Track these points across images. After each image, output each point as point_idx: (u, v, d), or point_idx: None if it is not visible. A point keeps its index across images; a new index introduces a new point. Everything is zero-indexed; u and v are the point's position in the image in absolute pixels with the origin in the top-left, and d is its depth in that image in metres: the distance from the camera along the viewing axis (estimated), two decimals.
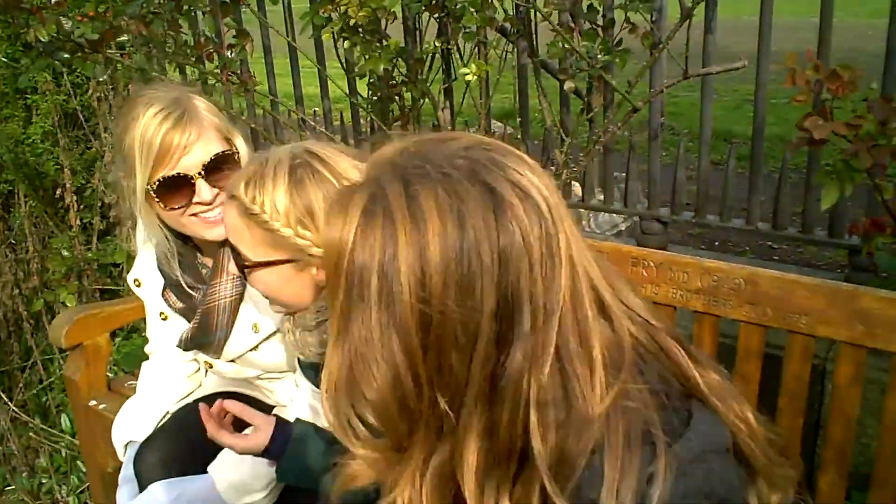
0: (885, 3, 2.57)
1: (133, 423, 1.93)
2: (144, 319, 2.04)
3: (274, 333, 1.81)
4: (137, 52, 2.91)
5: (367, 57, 2.71)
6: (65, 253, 3.84)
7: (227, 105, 3.44)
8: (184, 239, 1.80)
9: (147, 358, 2.08)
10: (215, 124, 1.66)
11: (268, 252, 1.40)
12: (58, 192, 4.07)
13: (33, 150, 4.19)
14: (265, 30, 3.47)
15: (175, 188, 1.61)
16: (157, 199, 1.62)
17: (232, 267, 1.68)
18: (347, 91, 3.34)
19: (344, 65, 3.17)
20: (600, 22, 2.69)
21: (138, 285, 1.92)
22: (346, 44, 2.79)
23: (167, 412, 1.92)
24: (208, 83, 2.96)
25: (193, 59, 3.05)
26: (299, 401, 1.76)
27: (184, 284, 1.80)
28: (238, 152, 1.70)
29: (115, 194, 4.05)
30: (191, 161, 1.60)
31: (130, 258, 3.94)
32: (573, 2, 2.65)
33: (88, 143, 4.32)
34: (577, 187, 3.33)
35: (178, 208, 1.63)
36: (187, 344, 1.82)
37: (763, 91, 2.72)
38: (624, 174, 3.18)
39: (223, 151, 1.65)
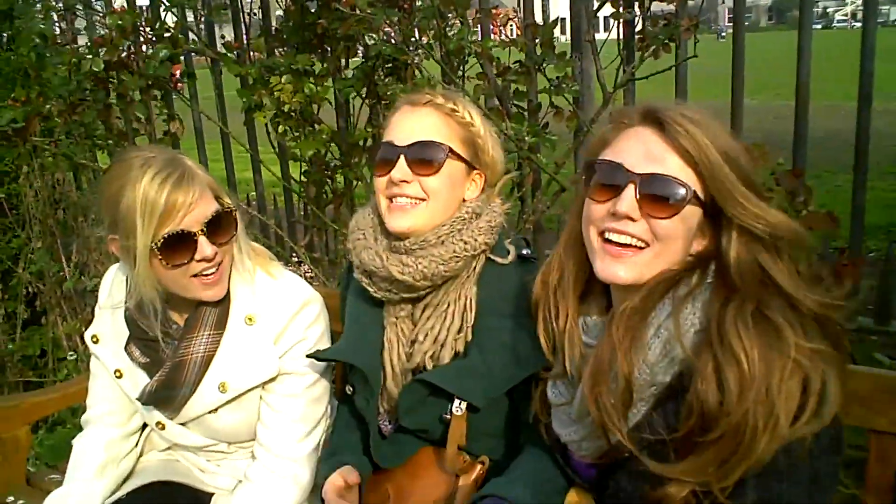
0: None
1: None
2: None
3: (242, 395, 1.77)
4: (65, 139, 2.91)
5: (299, 140, 2.76)
6: None
7: None
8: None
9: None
10: (209, 183, 1.69)
11: (459, 147, 1.60)
12: None
13: None
14: (196, 114, 3.50)
15: (178, 245, 1.62)
16: (160, 258, 1.62)
17: (210, 322, 1.73)
18: (281, 175, 3.37)
19: (276, 149, 3.22)
20: (526, 106, 2.81)
21: (95, 342, 1.88)
22: (280, 128, 2.84)
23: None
24: None
25: (124, 144, 3.05)
26: (256, 476, 1.77)
27: (158, 337, 1.77)
28: (234, 209, 1.72)
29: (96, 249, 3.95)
30: (193, 219, 1.62)
31: (56, 346, 3.85)
32: (501, 88, 2.77)
33: (15, 232, 4.24)
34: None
35: (181, 265, 1.64)
36: (149, 397, 1.77)
37: None
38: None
39: (222, 209, 1.68)
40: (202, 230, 1.63)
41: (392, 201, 1.60)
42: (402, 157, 1.57)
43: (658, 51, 2.64)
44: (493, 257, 1.62)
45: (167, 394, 1.76)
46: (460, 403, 1.56)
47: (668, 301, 1.21)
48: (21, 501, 2.17)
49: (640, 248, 1.22)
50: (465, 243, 1.57)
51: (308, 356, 1.71)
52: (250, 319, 1.76)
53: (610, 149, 1.28)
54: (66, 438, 3.31)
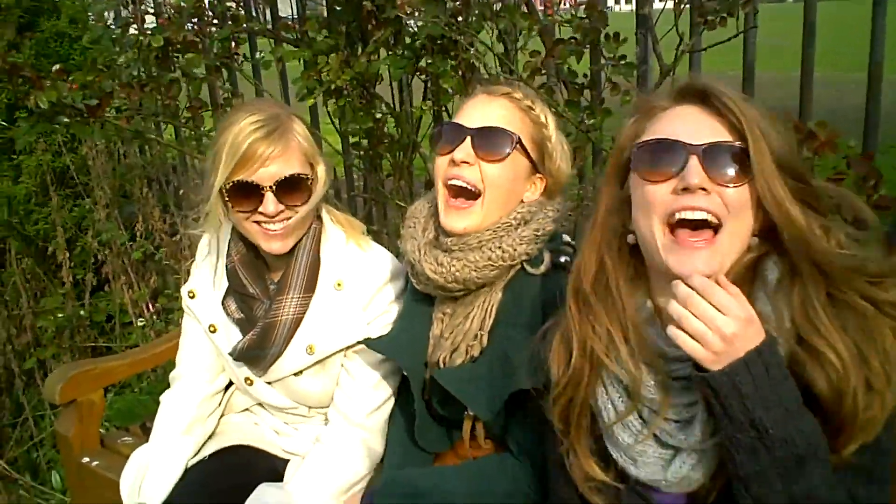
0: (862, 57, 2.68)
1: (147, 484, 1.88)
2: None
3: (328, 357, 1.84)
4: (133, 116, 3.01)
5: (351, 117, 2.80)
6: (58, 314, 3.88)
7: None
8: (255, 252, 1.86)
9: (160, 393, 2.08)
10: (303, 148, 1.75)
11: (528, 143, 1.57)
12: (49, 249, 4.12)
13: (26, 208, 4.25)
14: (260, 91, 3.57)
15: (245, 194, 1.70)
16: (227, 199, 1.72)
17: (300, 285, 1.77)
18: (341, 149, 3.43)
19: (335, 124, 3.27)
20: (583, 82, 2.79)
21: (192, 297, 1.96)
22: (331, 106, 2.89)
23: (185, 469, 1.90)
24: (202, 141, 3.05)
25: (187, 120, 3.14)
26: (330, 439, 1.82)
27: (254, 291, 1.84)
28: (315, 179, 1.77)
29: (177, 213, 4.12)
30: (267, 174, 1.69)
31: (123, 312, 4.00)
32: (556, 68, 2.75)
33: (78, 201, 4.39)
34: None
35: (243, 213, 1.73)
36: (241, 354, 1.85)
37: None
38: None
39: (299, 174, 1.73)
40: (271, 187, 1.69)
41: (450, 192, 1.57)
42: (469, 138, 1.54)
43: (715, 23, 2.60)
44: (526, 267, 1.56)
45: (258, 353, 1.83)
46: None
47: (762, 290, 1.18)
48: (96, 462, 2.29)
49: (714, 229, 1.16)
50: (504, 251, 1.52)
51: (359, 342, 1.74)
52: (339, 285, 1.82)
53: (647, 133, 1.25)
54: (134, 402, 3.46)
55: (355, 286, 1.82)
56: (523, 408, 1.47)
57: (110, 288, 4.19)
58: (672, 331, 1.10)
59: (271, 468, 1.91)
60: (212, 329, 1.93)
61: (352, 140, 3.27)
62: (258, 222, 1.73)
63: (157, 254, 4.07)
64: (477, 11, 2.65)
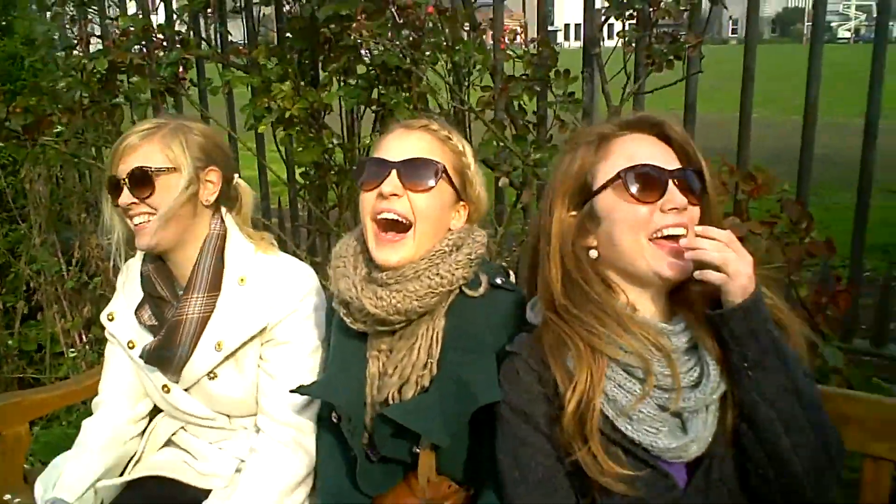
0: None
1: (62, 480, 1.88)
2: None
3: (238, 351, 1.83)
4: (70, 139, 2.94)
5: (302, 148, 2.78)
6: None
7: None
8: (162, 260, 1.90)
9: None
10: (170, 145, 1.78)
11: (451, 172, 1.60)
12: None
13: None
14: (206, 120, 3.52)
15: (112, 188, 1.80)
16: (108, 193, 1.82)
17: (203, 285, 1.81)
18: (286, 178, 3.39)
19: (281, 153, 3.23)
20: (532, 119, 2.82)
21: (111, 319, 1.98)
22: (282, 134, 2.86)
23: (98, 478, 1.89)
24: None
25: None
26: (261, 445, 1.80)
27: (164, 293, 1.87)
28: (153, 171, 1.76)
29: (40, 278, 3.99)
30: (126, 167, 1.77)
31: (54, 342, 3.86)
32: (505, 103, 2.78)
33: (13, 226, 4.25)
34: (511, 276, 3.41)
35: (116, 208, 1.82)
36: (149, 354, 1.85)
37: None
38: None
39: (143, 166, 1.76)
40: (124, 179, 1.76)
41: (380, 227, 1.56)
42: (394, 171, 1.55)
43: (662, 66, 2.66)
44: (465, 290, 1.58)
45: (165, 353, 1.83)
46: (424, 439, 1.54)
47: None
48: (18, 499, 2.18)
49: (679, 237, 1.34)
50: (442, 278, 1.53)
51: (291, 391, 1.68)
52: (242, 280, 1.84)
53: (613, 159, 1.38)
54: (62, 435, 3.33)
55: (259, 281, 1.84)
56: (489, 434, 1.48)
57: (42, 316, 4.06)
58: (706, 275, 1.27)
59: (193, 499, 1.86)
60: (130, 345, 1.93)
61: (299, 170, 3.24)
62: (130, 218, 1.80)
63: (90, 283, 3.96)
64: (432, 40, 2.66)
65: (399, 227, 1.56)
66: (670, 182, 1.33)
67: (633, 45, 2.71)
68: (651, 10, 2.62)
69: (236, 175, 1.95)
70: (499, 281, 1.60)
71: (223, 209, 1.90)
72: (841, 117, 11.18)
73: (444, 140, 1.61)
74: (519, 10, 3.42)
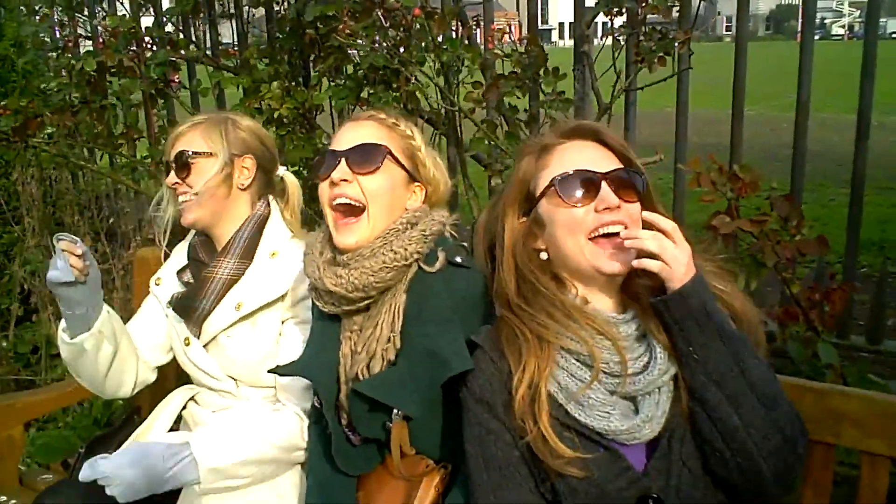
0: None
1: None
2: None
3: (254, 313, 1.93)
4: (60, 140, 2.94)
5: (292, 147, 2.78)
6: None
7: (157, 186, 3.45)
8: (207, 236, 2.06)
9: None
10: (212, 134, 1.97)
11: (398, 154, 1.68)
12: None
13: None
14: None
15: (166, 170, 2.01)
16: (164, 175, 2.02)
17: (237, 252, 1.96)
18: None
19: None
20: (523, 117, 2.83)
21: (158, 284, 2.13)
22: (273, 135, 2.86)
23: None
24: (137, 170, 2.99)
25: (120, 147, 3.07)
26: (274, 410, 1.89)
27: (204, 257, 2.02)
28: (191, 157, 1.95)
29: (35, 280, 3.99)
30: (174, 151, 1.97)
31: (50, 344, 3.85)
32: (496, 101, 2.78)
33: (7, 228, 4.25)
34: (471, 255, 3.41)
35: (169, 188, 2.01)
36: (176, 302, 2.00)
37: (682, 181, 2.88)
38: None
39: (183, 150, 1.95)
40: (171, 162, 1.97)
41: (338, 213, 1.65)
42: (342, 159, 1.65)
43: (653, 64, 2.67)
44: (422, 266, 1.65)
45: (189, 303, 1.98)
46: (397, 412, 1.60)
47: None
48: (13, 501, 2.18)
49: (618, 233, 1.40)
50: (395, 253, 1.61)
51: (269, 371, 1.77)
52: (273, 254, 1.97)
53: (552, 167, 1.48)
54: (58, 437, 3.33)
55: (289, 258, 1.94)
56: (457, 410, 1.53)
57: (37, 318, 4.06)
58: (644, 263, 1.33)
59: None
60: (169, 304, 2.06)
61: (291, 169, 3.24)
62: (177, 198, 1.98)
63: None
64: (419, 41, 2.67)
65: (354, 210, 1.65)
66: (603, 183, 1.41)
67: (623, 41, 2.72)
68: (640, 6, 2.63)
69: (282, 168, 2.11)
70: (458, 259, 1.65)
71: (270, 196, 2.06)
72: (834, 112, 11.20)
73: (392, 126, 1.70)
74: (513, 10, 3.43)
